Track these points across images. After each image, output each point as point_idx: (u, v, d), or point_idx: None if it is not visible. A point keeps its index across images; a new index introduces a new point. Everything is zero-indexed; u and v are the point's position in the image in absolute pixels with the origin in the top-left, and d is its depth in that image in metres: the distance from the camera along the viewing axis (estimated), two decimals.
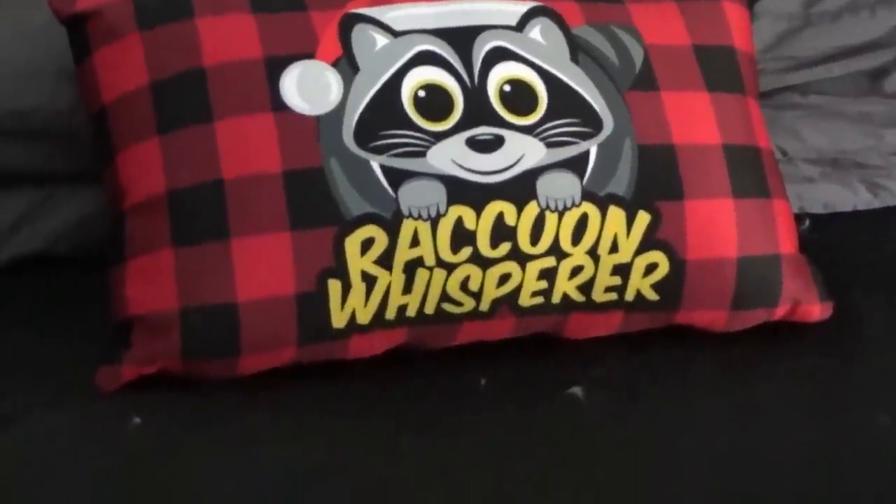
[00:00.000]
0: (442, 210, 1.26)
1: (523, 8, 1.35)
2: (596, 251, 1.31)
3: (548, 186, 1.29)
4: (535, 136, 1.30)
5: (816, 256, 1.46)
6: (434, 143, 1.28)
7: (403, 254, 1.26)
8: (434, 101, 1.28)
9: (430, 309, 1.29)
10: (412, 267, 1.27)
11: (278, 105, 1.27)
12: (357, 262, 1.25)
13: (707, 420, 1.30)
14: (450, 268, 1.27)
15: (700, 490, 1.17)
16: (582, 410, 1.30)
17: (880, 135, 1.73)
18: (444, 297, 1.29)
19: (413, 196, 1.25)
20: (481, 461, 1.20)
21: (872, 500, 1.16)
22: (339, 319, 1.26)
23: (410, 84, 1.29)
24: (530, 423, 1.28)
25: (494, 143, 1.29)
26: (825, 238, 1.61)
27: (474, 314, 1.31)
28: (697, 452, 1.24)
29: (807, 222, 1.60)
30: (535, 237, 1.29)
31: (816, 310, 1.42)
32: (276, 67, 1.27)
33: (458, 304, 1.30)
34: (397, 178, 1.25)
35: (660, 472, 1.20)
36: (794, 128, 1.70)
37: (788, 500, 1.15)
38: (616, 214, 1.31)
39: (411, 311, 1.29)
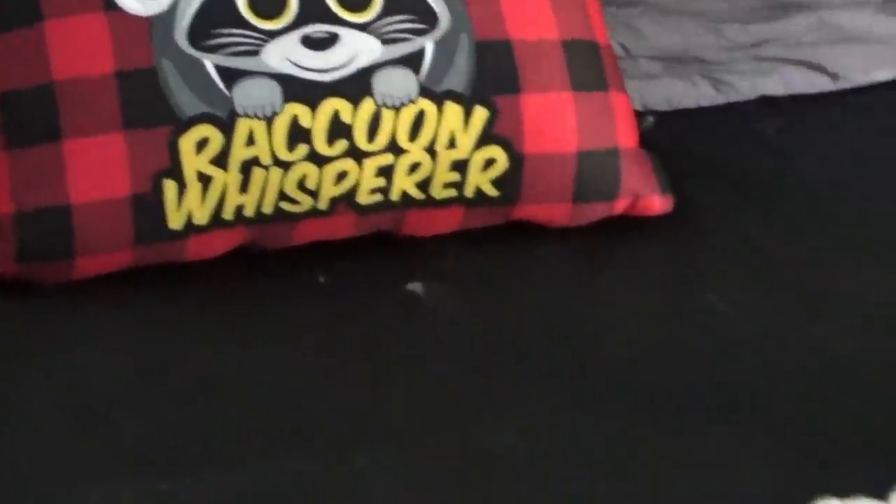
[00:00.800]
0: (277, 108, 1.45)
1: None
2: (433, 147, 1.51)
3: (384, 83, 1.49)
4: (371, 32, 1.49)
5: (659, 151, 1.70)
6: (268, 42, 1.46)
7: (239, 153, 1.45)
8: (267, 0, 1.45)
9: (267, 208, 1.49)
10: (248, 166, 1.46)
11: (109, 5, 1.43)
12: (192, 162, 1.44)
13: (549, 309, 1.54)
14: (286, 166, 1.47)
15: (543, 375, 1.43)
16: (421, 305, 1.52)
17: (720, 30, 1.94)
18: (282, 196, 1.49)
19: (247, 95, 1.44)
20: (320, 356, 1.44)
21: (706, 366, 1.46)
22: (175, 220, 1.45)
23: None
24: (369, 318, 1.50)
25: (329, 41, 1.48)
26: (669, 134, 1.84)
27: (313, 213, 1.51)
28: (539, 340, 1.48)
29: (650, 119, 1.81)
30: (372, 134, 1.49)
31: (657, 203, 1.65)
32: None
33: (296, 202, 1.49)
34: (231, 77, 1.44)
35: (501, 361, 1.45)
36: (634, 25, 1.90)
37: (631, 378, 1.43)
38: (453, 110, 1.52)
39: (249, 211, 1.49)
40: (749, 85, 1.98)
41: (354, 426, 1.37)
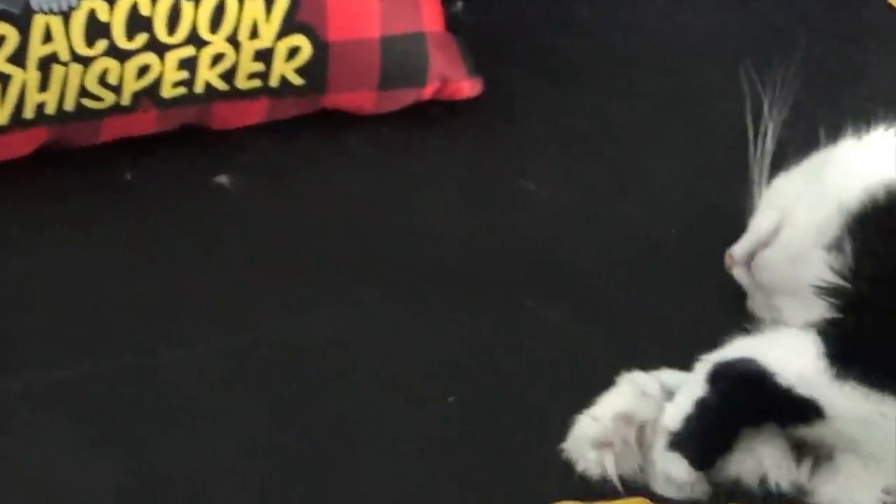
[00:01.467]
0: (73, 3, 1.58)
1: None
2: (236, 37, 1.67)
3: None
4: None
5: (468, 35, 1.89)
6: None
7: (36, 50, 1.59)
8: None
9: (69, 105, 1.64)
10: (47, 63, 1.60)
11: None
12: None
13: (359, 200, 1.73)
14: (86, 62, 1.62)
15: (354, 267, 1.64)
16: (228, 199, 1.70)
17: None
18: (83, 92, 1.63)
19: None
20: (126, 252, 1.62)
21: (523, 249, 1.66)
22: None
23: None
24: (175, 213, 1.67)
25: None
26: (478, 17, 2.03)
27: (116, 109, 1.67)
28: (349, 232, 1.68)
29: (459, 4, 1.95)
30: (172, 26, 1.64)
31: (466, 87, 1.84)
32: None
33: (99, 98, 1.65)
34: None
35: (310, 254, 1.65)
36: None
37: (446, 266, 1.64)
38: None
39: (50, 109, 1.63)
40: None
41: (162, 322, 1.54)
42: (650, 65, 2.04)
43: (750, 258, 1.52)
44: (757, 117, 1.55)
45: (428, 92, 1.83)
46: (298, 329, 1.54)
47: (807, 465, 1.37)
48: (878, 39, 2.11)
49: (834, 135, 1.55)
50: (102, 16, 1.62)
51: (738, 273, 1.53)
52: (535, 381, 1.47)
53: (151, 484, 1.36)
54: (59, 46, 1.62)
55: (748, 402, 1.39)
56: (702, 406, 1.36)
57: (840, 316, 1.37)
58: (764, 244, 1.50)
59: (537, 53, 2.01)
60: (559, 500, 1.33)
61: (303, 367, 1.50)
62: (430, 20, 1.82)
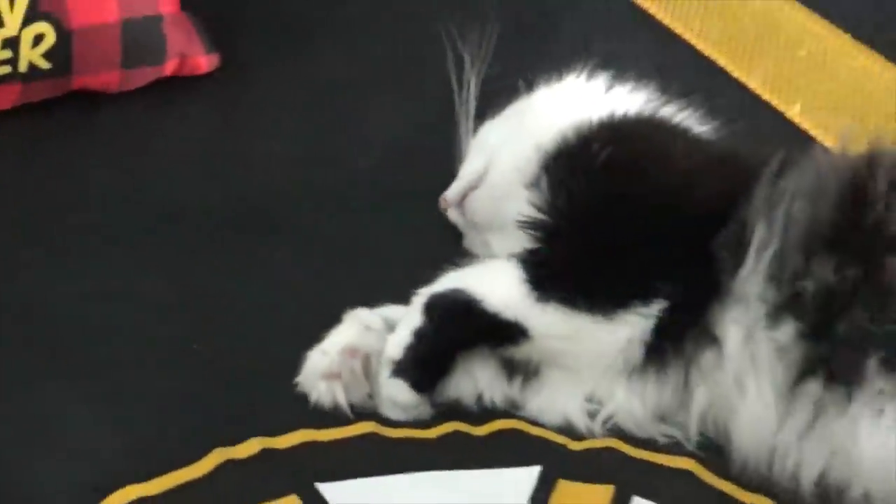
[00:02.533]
0: None
1: None
2: None
3: None
4: None
5: (206, 13, 1.97)
6: None
7: None
8: None
9: None
10: None
11: None
12: None
13: (110, 173, 1.81)
14: None
15: (92, 227, 1.69)
16: None
17: None
18: None
19: None
20: None
21: (258, 198, 1.74)
22: None
23: None
24: None
25: None
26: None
27: None
28: (93, 200, 1.75)
29: None
30: None
31: (204, 62, 1.92)
32: None
33: None
34: None
35: (51, 219, 1.71)
36: None
37: (182, 220, 1.70)
38: None
39: None
40: None
41: None
42: (373, 29, 2.11)
43: (462, 200, 1.54)
44: (461, 74, 1.58)
45: (168, 69, 1.91)
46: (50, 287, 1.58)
47: (517, 382, 1.39)
48: None
49: (531, 85, 1.58)
50: None
51: (453, 214, 1.59)
52: (268, 321, 1.54)
53: None
54: None
55: (460, 328, 1.45)
56: (419, 335, 1.42)
57: (538, 246, 1.42)
58: (473, 186, 1.55)
59: (272, 24, 2.10)
60: (295, 429, 1.38)
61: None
62: (165, 2, 1.90)
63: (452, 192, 1.56)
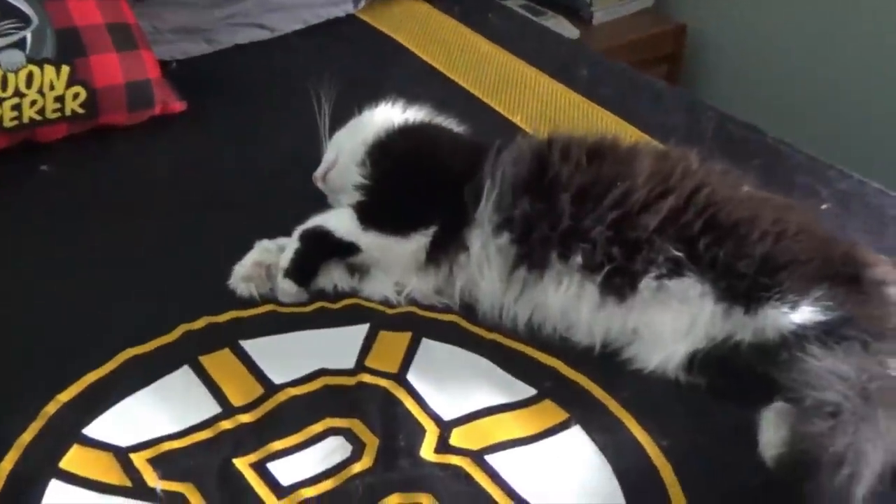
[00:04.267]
0: None
1: None
2: (42, 90, 1.75)
3: (5, 59, 1.72)
4: None
5: (179, 78, 1.96)
6: None
7: None
8: None
9: None
10: None
11: None
12: None
13: (119, 172, 1.77)
14: None
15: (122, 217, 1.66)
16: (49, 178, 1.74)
17: (209, 12, 2.17)
18: None
19: None
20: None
21: (219, 188, 1.69)
22: None
23: None
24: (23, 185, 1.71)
25: None
26: (188, 69, 2.06)
27: None
28: (114, 184, 1.71)
29: (174, 63, 2.02)
30: (4, 87, 1.72)
31: (177, 106, 1.91)
32: None
33: None
34: None
35: (100, 212, 1.67)
36: (159, 13, 2.08)
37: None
38: (49, 69, 1.76)
39: None
40: (229, 39, 2.17)
41: None
42: (271, 85, 2.06)
43: (324, 177, 1.51)
44: (319, 108, 1.58)
45: (156, 111, 1.88)
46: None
47: (357, 277, 1.36)
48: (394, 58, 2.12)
49: (361, 110, 1.54)
50: None
51: (321, 185, 1.59)
52: (220, 251, 1.48)
53: None
54: None
55: (321, 248, 1.47)
56: (298, 253, 1.43)
57: (363, 198, 1.36)
58: (330, 168, 1.52)
59: (223, 84, 2.04)
60: (229, 310, 1.41)
61: None
62: (153, 71, 1.89)
63: (319, 172, 1.57)
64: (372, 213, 1.43)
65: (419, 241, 1.41)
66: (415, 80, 2.01)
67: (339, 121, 1.60)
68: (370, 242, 1.42)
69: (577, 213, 1.34)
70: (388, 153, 1.50)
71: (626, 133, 1.81)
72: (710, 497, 1.14)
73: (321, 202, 1.57)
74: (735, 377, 1.27)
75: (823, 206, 1.63)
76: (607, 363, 1.32)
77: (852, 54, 2.62)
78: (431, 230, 1.41)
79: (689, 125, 1.89)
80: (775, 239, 1.31)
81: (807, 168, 1.76)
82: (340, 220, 1.44)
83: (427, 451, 1.19)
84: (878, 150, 2.42)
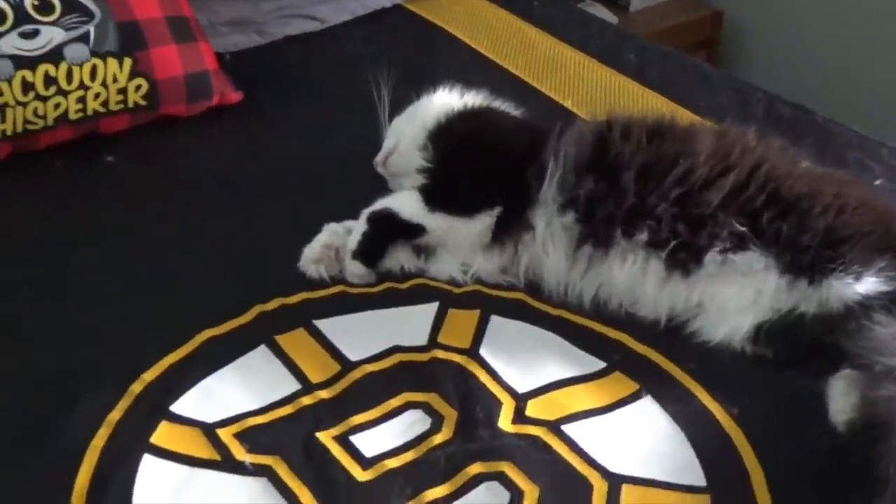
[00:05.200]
0: (12, 74, 1.70)
1: None
2: (105, 83, 1.78)
3: (70, 52, 1.75)
4: (57, 25, 1.74)
5: (235, 71, 1.98)
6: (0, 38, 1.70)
7: None
8: None
9: (19, 129, 1.73)
10: (2, 108, 1.70)
11: None
12: None
13: (183, 155, 1.80)
14: (24, 105, 1.71)
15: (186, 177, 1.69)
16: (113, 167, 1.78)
17: (258, 4, 2.23)
18: (25, 121, 1.73)
19: None
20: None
21: (278, 173, 1.72)
22: None
23: None
24: (88, 174, 1.75)
25: (33, 33, 1.72)
26: (240, 62, 2.08)
27: (45, 128, 1.76)
28: (184, 165, 1.75)
29: (227, 56, 2.03)
30: (69, 80, 1.74)
31: (234, 97, 1.94)
32: None
33: (34, 123, 1.74)
34: None
35: (166, 201, 1.71)
36: (211, 6, 2.12)
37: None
38: (112, 62, 1.79)
39: (8, 132, 1.72)
40: (279, 31, 2.19)
41: None
42: (329, 75, 2.08)
43: (385, 162, 1.54)
44: (379, 95, 1.63)
45: (215, 101, 1.91)
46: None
47: (422, 257, 1.40)
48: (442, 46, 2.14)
49: (419, 96, 1.62)
50: (29, 78, 1.71)
51: (381, 170, 1.61)
52: (287, 235, 1.51)
53: None
54: (7, 98, 1.70)
55: (388, 230, 1.49)
56: (365, 235, 1.46)
57: (428, 182, 1.39)
58: (391, 153, 1.55)
59: (273, 75, 2.05)
60: (300, 291, 1.44)
61: None
62: (210, 63, 1.92)
63: (380, 158, 1.60)
64: (437, 195, 1.46)
65: (484, 222, 1.44)
66: (465, 67, 2.04)
67: (395, 108, 1.64)
68: (436, 224, 1.45)
69: (641, 191, 1.37)
70: (449, 137, 1.53)
71: (678, 115, 1.81)
72: (782, 463, 1.16)
73: (382, 186, 1.61)
74: (801, 347, 1.30)
75: (877, 182, 1.64)
76: (673, 336, 1.35)
77: (888, 38, 2.64)
78: (496, 211, 1.44)
79: (738, 106, 1.91)
80: (837, 212, 1.33)
81: (858, 145, 1.78)
82: (407, 202, 1.47)
83: (505, 422, 1.22)
84: None
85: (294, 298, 1.42)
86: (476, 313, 1.39)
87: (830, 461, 1.15)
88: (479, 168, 1.47)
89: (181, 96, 1.86)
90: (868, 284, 1.26)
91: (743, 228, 1.32)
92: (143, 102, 1.82)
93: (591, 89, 1.98)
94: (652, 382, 1.28)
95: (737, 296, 1.33)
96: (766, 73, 2.75)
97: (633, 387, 1.27)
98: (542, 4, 2.37)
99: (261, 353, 1.32)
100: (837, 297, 1.27)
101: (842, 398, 1.20)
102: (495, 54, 2.13)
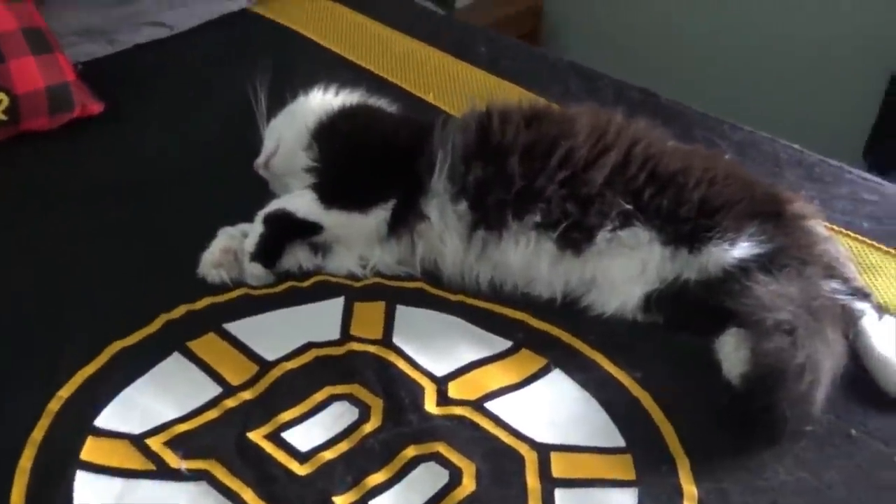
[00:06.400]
0: None
1: None
2: None
3: None
4: None
5: (92, 80, 1.93)
6: None
7: None
8: None
9: None
10: None
11: None
12: None
13: (42, 167, 1.76)
14: None
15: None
16: None
17: (109, 12, 2.18)
18: None
19: None
20: None
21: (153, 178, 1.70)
22: None
23: None
24: None
25: None
26: (95, 73, 2.01)
27: None
28: (47, 181, 1.71)
29: (79, 66, 1.94)
30: None
31: (95, 108, 1.90)
32: None
33: None
34: None
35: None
36: (62, 16, 2.08)
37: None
38: None
39: None
40: (130, 38, 2.16)
41: None
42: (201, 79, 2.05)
43: (266, 163, 1.54)
44: (256, 98, 1.64)
45: (76, 113, 1.87)
46: None
47: (320, 255, 1.41)
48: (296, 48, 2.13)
49: (291, 98, 1.66)
50: None
51: (263, 172, 1.61)
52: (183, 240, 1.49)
53: None
54: None
55: (285, 230, 1.50)
56: (262, 237, 1.46)
57: (319, 180, 1.41)
58: (272, 155, 1.55)
59: (140, 81, 2.02)
60: (204, 297, 1.41)
61: None
62: (69, 74, 1.88)
63: (261, 160, 1.60)
64: (332, 192, 1.48)
65: (379, 216, 1.48)
66: (323, 67, 2.05)
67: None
68: (333, 220, 1.47)
69: (527, 174, 1.44)
70: (334, 134, 1.56)
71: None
72: (689, 418, 1.25)
73: (262, 187, 1.63)
74: (688, 312, 1.39)
75: (726, 157, 1.77)
76: (570, 311, 1.43)
77: (703, 23, 2.82)
78: (390, 204, 1.48)
79: (588, 92, 2.01)
80: (708, 185, 1.44)
81: (702, 124, 1.91)
82: (302, 202, 1.49)
83: (430, 405, 1.27)
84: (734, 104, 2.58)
85: (199, 304, 1.42)
86: (381, 304, 1.43)
87: (732, 411, 1.24)
88: (368, 163, 1.51)
89: (43, 110, 1.81)
90: (742, 249, 1.37)
91: (629, 206, 1.40)
92: (3, 118, 1.77)
93: (450, 82, 2.03)
94: (558, 356, 1.35)
95: (625, 269, 1.42)
96: (588, 63, 2.89)
97: (541, 361, 1.34)
98: (384, 2, 2.40)
99: (175, 361, 1.32)
100: (716, 262, 1.37)
101: (732, 354, 1.31)
102: (351, 54, 2.16)
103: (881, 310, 1.37)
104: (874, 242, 1.56)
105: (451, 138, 1.48)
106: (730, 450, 1.21)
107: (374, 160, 1.50)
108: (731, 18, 2.87)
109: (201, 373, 1.31)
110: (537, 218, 1.41)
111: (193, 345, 1.34)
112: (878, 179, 1.73)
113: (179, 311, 1.40)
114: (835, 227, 1.57)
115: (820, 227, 1.47)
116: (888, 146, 2.71)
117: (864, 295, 1.37)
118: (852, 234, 1.57)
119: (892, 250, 1.54)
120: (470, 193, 1.44)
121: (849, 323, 1.32)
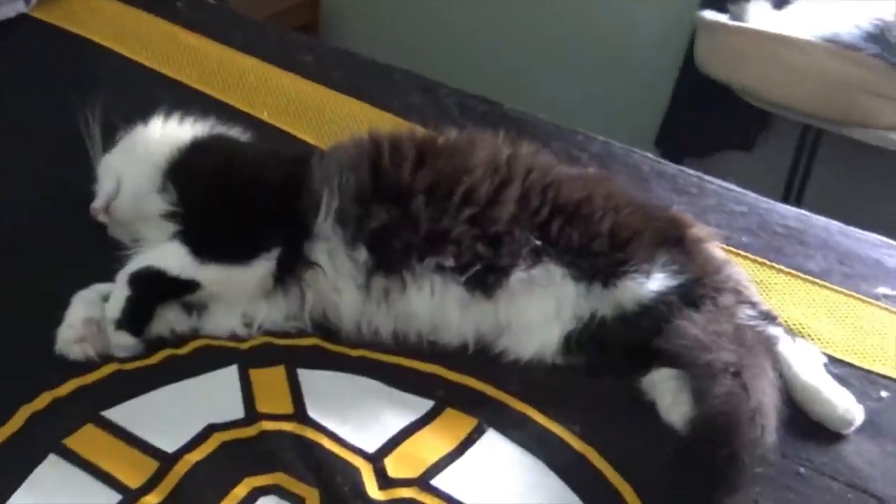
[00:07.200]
0: None
1: None
2: None
3: None
4: None
5: None
6: None
7: None
8: None
9: None
10: None
11: None
12: None
13: None
14: None
15: None
16: None
17: None
18: None
19: None
20: None
21: None
22: None
23: None
24: None
25: None
26: None
27: None
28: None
29: None
30: None
31: None
32: None
33: None
34: None
35: None
36: None
37: None
38: None
39: None
40: None
41: None
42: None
43: (106, 208, 1.34)
44: (89, 131, 1.46)
45: None
46: None
47: (195, 315, 1.23)
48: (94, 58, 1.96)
49: (125, 128, 1.49)
50: None
51: (102, 218, 1.42)
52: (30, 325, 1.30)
53: None
54: None
55: (155, 290, 1.33)
56: (129, 300, 1.30)
57: (183, 228, 1.27)
58: (113, 197, 1.35)
59: None
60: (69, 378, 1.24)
61: None
62: None
63: (98, 204, 1.41)
64: (206, 244, 1.31)
65: (264, 266, 1.32)
66: (132, 81, 1.87)
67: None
68: (210, 276, 1.31)
69: (434, 216, 1.32)
70: (194, 174, 1.39)
71: (384, 119, 1.80)
72: (644, 472, 1.18)
73: (107, 235, 1.44)
74: (609, 351, 1.32)
75: (590, 171, 1.72)
76: (485, 360, 1.33)
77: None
78: (275, 252, 1.33)
79: (432, 105, 1.91)
80: (615, 213, 1.38)
81: (554, 135, 1.85)
82: (172, 257, 1.31)
83: (372, 490, 1.13)
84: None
85: (64, 389, 1.22)
86: (281, 370, 1.28)
87: (685, 460, 1.18)
88: (242, 206, 1.35)
89: None
90: (657, 281, 1.32)
91: (539, 242, 1.32)
92: None
93: (279, 98, 1.87)
94: (486, 413, 1.25)
95: (540, 309, 1.33)
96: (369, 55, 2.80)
97: (471, 421, 1.24)
98: (188, 6, 2.17)
99: (52, 465, 1.13)
100: (632, 297, 1.32)
101: (669, 395, 1.25)
102: (161, 65, 1.94)
103: (791, 332, 1.35)
104: (757, 258, 1.55)
105: (339, 177, 1.34)
106: (692, 502, 1.14)
107: (246, 202, 1.34)
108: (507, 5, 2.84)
109: (88, 476, 1.12)
110: (449, 262, 1.29)
111: (70, 441, 1.15)
112: (740, 189, 1.73)
113: (44, 401, 1.19)
114: (723, 246, 1.53)
115: (718, 249, 1.43)
116: (680, 133, 2.78)
117: (772, 318, 1.36)
118: (734, 251, 1.55)
119: (777, 265, 1.53)
120: (368, 238, 1.31)
121: (773, 352, 1.29)
